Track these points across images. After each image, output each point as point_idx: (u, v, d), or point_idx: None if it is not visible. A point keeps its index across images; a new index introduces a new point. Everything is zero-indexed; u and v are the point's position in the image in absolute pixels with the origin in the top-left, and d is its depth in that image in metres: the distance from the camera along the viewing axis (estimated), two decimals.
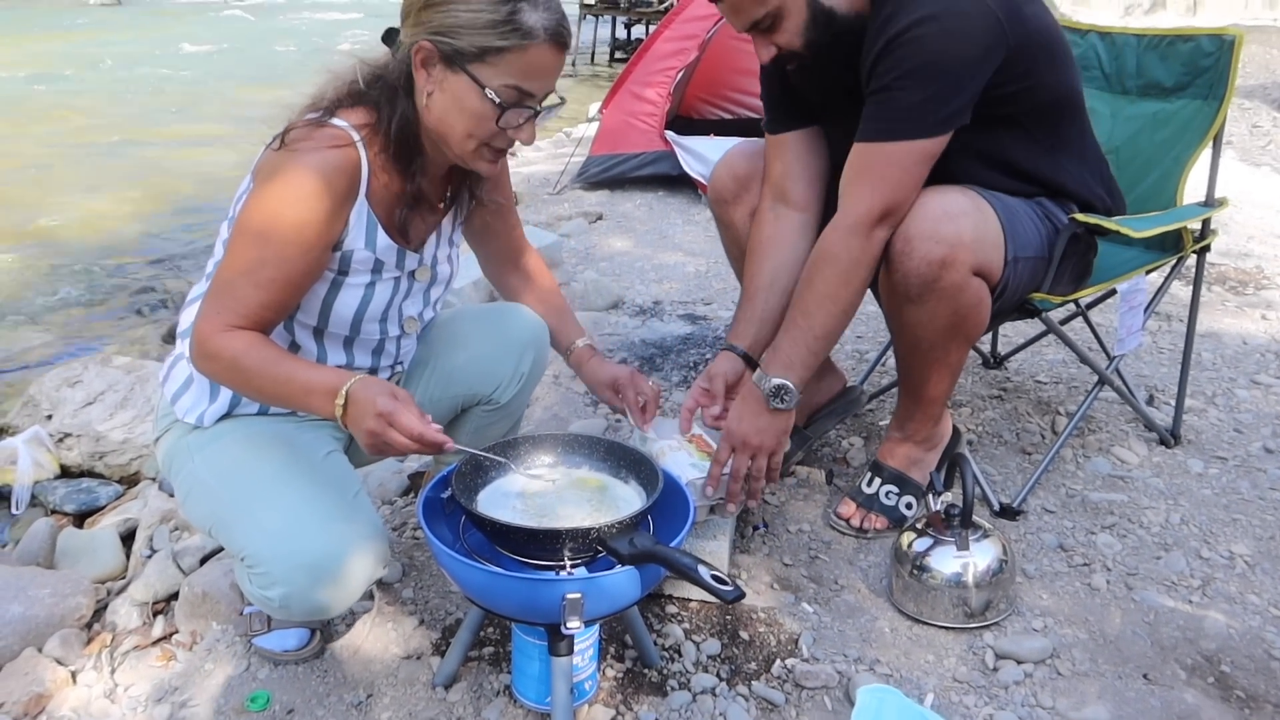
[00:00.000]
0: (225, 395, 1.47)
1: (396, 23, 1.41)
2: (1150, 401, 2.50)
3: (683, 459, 1.71)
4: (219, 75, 12.90)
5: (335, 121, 1.36)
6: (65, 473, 2.80)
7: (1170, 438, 2.27)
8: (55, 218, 6.22)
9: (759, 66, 1.86)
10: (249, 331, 1.32)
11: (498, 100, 1.31)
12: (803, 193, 1.87)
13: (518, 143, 1.40)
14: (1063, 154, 1.79)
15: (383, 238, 1.44)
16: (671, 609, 1.70)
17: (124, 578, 2.09)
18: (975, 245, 1.61)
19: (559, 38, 1.32)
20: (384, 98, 1.38)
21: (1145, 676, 1.55)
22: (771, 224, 1.88)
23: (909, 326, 1.72)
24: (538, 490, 1.43)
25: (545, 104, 1.38)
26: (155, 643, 1.73)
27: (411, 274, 1.53)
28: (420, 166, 1.43)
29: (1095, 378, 2.12)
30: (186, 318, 1.51)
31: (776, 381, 1.66)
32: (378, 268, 1.46)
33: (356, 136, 1.36)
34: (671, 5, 11.49)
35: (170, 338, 3.98)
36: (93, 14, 23.42)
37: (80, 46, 16.20)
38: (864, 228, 1.63)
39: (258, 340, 1.32)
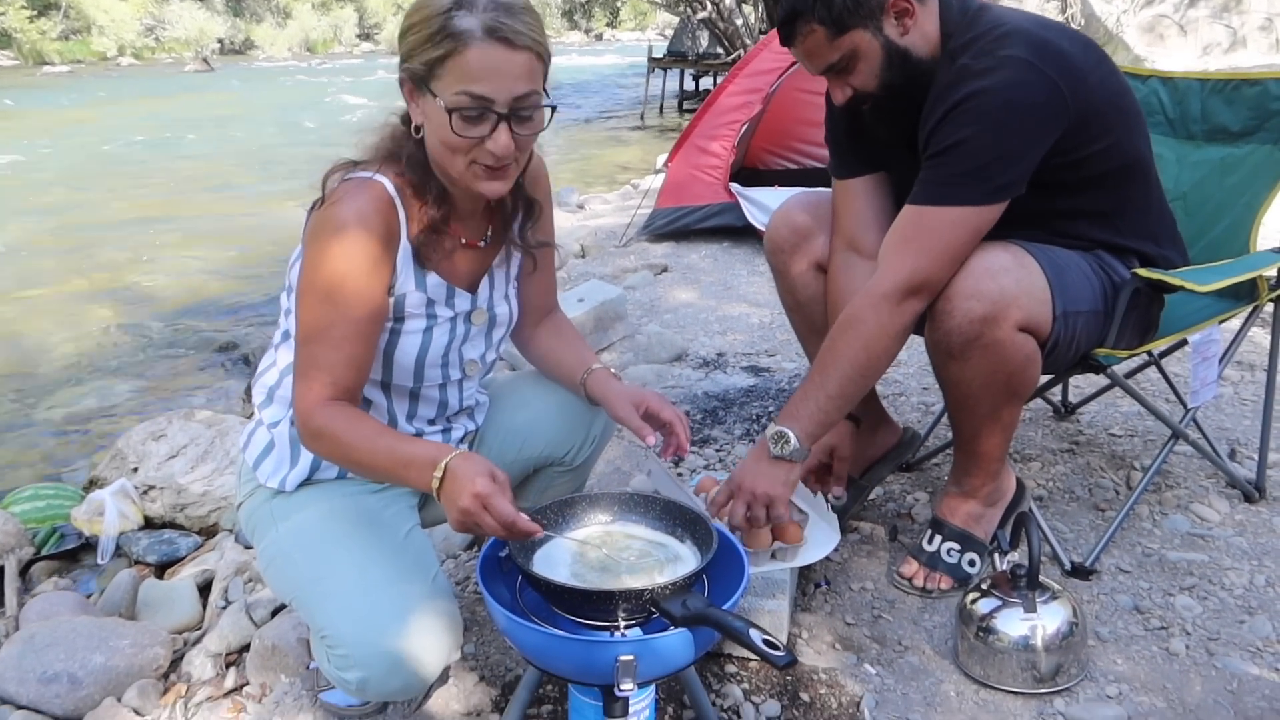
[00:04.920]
0: (306, 460, 1.51)
1: None
2: (1232, 455, 2.41)
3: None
4: (303, 134, 13.44)
5: (365, 173, 1.40)
6: (148, 524, 2.91)
7: (1254, 493, 2.18)
8: (146, 275, 6.53)
9: (825, 113, 1.89)
10: (345, 405, 1.38)
11: (443, 106, 1.30)
12: (873, 241, 1.84)
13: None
14: (1121, 218, 1.77)
15: (431, 277, 1.47)
16: (731, 669, 1.69)
17: (200, 629, 2.16)
18: (1019, 301, 1.59)
19: (497, 33, 1.27)
20: (402, 136, 1.42)
21: None
22: (844, 275, 1.89)
23: (955, 384, 1.71)
24: (595, 548, 1.44)
25: (521, 107, 1.32)
26: (227, 694, 1.78)
27: (468, 316, 1.55)
28: (439, 193, 1.43)
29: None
30: (259, 390, 1.57)
31: (777, 428, 1.66)
32: (431, 310, 1.49)
33: (388, 184, 1.40)
34: (739, 57, 11.64)
35: (250, 392, 4.12)
36: (187, 80, 24.69)
37: (175, 110, 17.06)
38: (896, 296, 1.62)
39: (356, 417, 1.38)
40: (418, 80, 1.34)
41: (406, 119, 1.43)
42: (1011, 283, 1.59)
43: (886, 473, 2.15)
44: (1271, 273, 2.05)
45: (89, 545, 2.84)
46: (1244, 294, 2.07)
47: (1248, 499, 2.18)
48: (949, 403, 1.80)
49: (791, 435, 1.65)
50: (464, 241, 1.52)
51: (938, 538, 1.87)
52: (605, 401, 1.63)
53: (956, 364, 1.66)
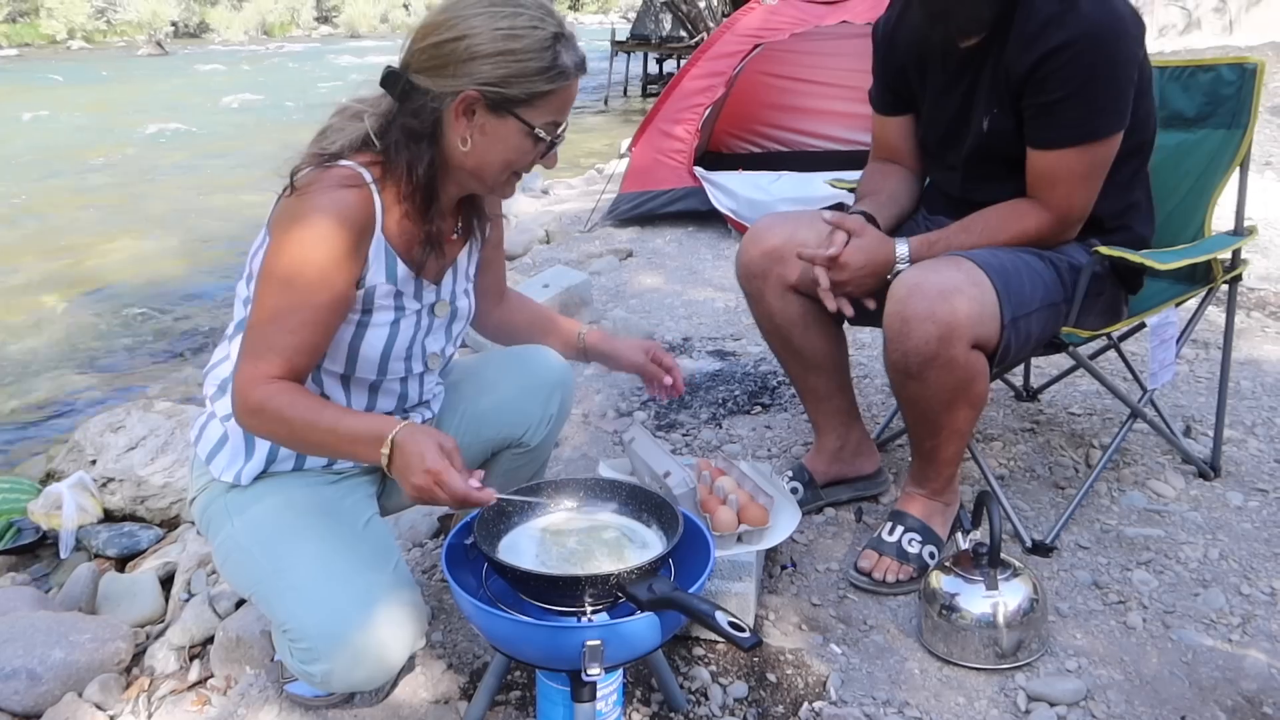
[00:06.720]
0: (261, 453, 1.48)
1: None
2: (1187, 433, 2.46)
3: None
4: (260, 119, 13.22)
5: (343, 163, 1.38)
6: (108, 517, 2.86)
7: (1208, 470, 2.23)
8: (100, 263, 6.40)
9: (873, 53, 2.04)
10: (287, 383, 1.35)
11: (545, 137, 1.40)
12: (908, 162, 2.08)
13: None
14: (1111, 191, 1.84)
15: (402, 269, 1.46)
16: (698, 651, 1.70)
17: (163, 621, 2.13)
18: (970, 322, 1.64)
19: (582, 69, 1.41)
20: (401, 143, 1.38)
21: (1183, 719, 1.52)
22: (882, 168, 2.08)
23: (915, 402, 1.77)
24: (561, 535, 1.44)
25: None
26: (191, 687, 1.76)
27: (431, 308, 1.55)
28: (439, 210, 1.46)
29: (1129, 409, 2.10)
30: (211, 382, 1.54)
31: (906, 251, 1.81)
32: (399, 301, 1.48)
33: (367, 176, 1.38)
34: (702, 40, 11.61)
35: None
36: (140, 64, 24.18)
37: (128, 94, 16.71)
38: (1064, 225, 1.80)
39: (298, 392, 1.35)
40: (500, 103, 1.35)
41: (429, 125, 1.37)
42: (964, 302, 1.64)
43: (845, 498, 2.16)
44: (1226, 255, 2.09)
45: (47, 539, 2.79)
46: (1200, 276, 2.11)
47: (1203, 476, 2.23)
48: (908, 418, 1.85)
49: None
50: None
51: (899, 529, 1.89)
52: (614, 354, 1.79)
53: (915, 383, 1.71)
